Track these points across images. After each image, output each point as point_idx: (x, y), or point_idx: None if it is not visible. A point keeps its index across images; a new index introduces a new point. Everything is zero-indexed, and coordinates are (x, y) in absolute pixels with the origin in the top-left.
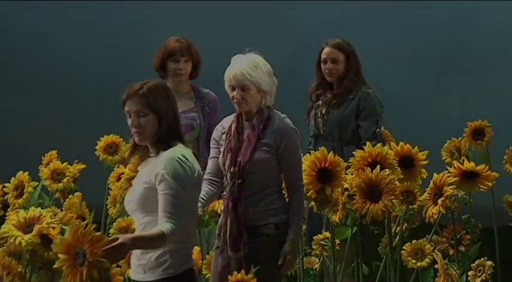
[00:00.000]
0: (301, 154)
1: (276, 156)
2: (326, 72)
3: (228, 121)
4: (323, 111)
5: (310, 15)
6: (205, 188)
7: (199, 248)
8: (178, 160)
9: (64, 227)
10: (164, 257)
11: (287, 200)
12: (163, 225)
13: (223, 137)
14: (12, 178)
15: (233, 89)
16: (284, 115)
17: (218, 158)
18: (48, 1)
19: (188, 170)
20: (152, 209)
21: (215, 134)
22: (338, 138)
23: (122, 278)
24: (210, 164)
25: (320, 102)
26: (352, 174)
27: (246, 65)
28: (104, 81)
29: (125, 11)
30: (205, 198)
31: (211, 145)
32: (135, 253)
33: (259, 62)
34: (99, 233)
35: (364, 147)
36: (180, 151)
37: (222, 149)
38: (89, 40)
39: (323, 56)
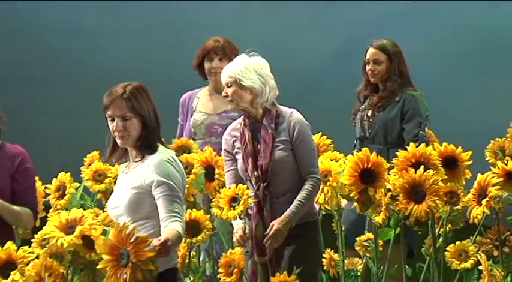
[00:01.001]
0: (315, 145)
1: (292, 151)
2: (369, 73)
3: (235, 129)
4: (368, 114)
5: (354, 13)
6: None
7: (241, 250)
8: (169, 162)
9: (106, 228)
10: None
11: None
12: (173, 225)
13: (237, 144)
14: (54, 179)
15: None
16: (292, 109)
17: (235, 169)
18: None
19: (179, 170)
20: (141, 214)
21: (226, 145)
22: (384, 141)
23: None
24: (229, 177)
25: (366, 104)
26: (395, 175)
27: (230, 65)
28: (146, 82)
29: (179, 11)
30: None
31: (224, 158)
32: None
33: (245, 61)
34: (143, 234)
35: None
36: (167, 153)
37: (238, 157)
38: (130, 39)
39: (367, 56)
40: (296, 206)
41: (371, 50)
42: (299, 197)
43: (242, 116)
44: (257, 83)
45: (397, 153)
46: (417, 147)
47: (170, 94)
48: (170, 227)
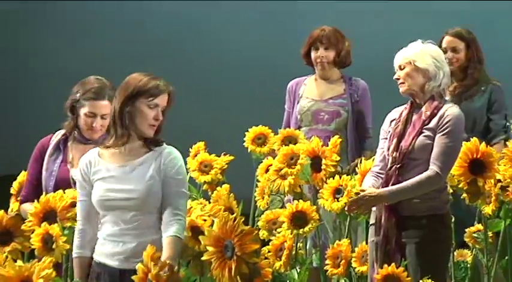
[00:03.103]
0: (458, 145)
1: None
2: (447, 61)
3: (397, 111)
4: (453, 100)
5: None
6: (370, 180)
7: (348, 241)
8: (179, 156)
9: (214, 219)
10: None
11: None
12: (172, 229)
13: (392, 124)
14: None
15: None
16: (455, 105)
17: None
18: None
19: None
20: (152, 207)
21: (384, 125)
22: (470, 130)
23: (270, 270)
24: (377, 156)
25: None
26: (505, 165)
27: (405, 48)
28: (250, 72)
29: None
30: None
31: (380, 137)
32: (113, 241)
33: (421, 45)
34: (247, 227)
35: (492, 140)
36: (172, 147)
37: (388, 136)
38: (235, 30)
39: (443, 45)
40: (399, 187)
41: (447, 38)
42: (409, 181)
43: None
44: (432, 66)
45: (507, 143)
46: (505, 138)
47: (280, 83)
48: (169, 233)
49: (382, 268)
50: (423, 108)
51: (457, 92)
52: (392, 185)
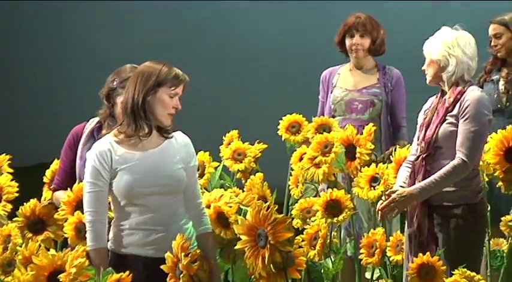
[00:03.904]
0: (483, 129)
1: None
2: (493, 49)
3: (431, 100)
4: (504, 87)
5: None
6: (404, 173)
7: (383, 230)
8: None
9: (244, 208)
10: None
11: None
12: (205, 221)
13: (426, 114)
14: None
15: None
16: (477, 88)
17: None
18: None
19: None
20: (180, 191)
21: (420, 114)
22: None
23: (304, 258)
24: (413, 145)
25: (497, 76)
26: None
27: (430, 37)
28: (287, 60)
29: None
30: (405, 183)
31: (417, 126)
32: (145, 229)
33: (439, 34)
34: (281, 215)
35: None
36: (185, 135)
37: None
38: (273, 17)
39: (489, 33)
40: (427, 183)
41: (491, 26)
42: (436, 174)
43: None
44: (443, 56)
45: None
46: None
47: (317, 71)
48: (203, 226)
49: (408, 259)
50: (446, 95)
51: (510, 78)
52: (420, 174)
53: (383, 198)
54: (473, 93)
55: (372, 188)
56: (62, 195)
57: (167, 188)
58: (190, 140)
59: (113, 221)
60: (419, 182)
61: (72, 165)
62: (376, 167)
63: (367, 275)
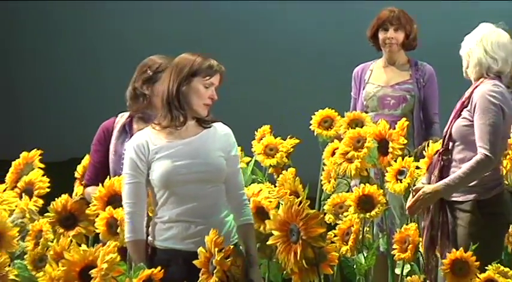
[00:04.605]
0: (497, 120)
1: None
2: None
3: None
4: None
5: None
6: None
7: (416, 225)
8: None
9: (280, 201)
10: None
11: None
12: (247, 214)
13: None
14: None
15: None
16: (491, 81)
17: None
18: None
19: None
20: (222, 179)
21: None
22: None
23: (336, 254)
24: None
25: None
26: None
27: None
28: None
29: None
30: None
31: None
32: (184, 222)
33: (475, 30)
34: (313, 211)
35: None
36: (225, 125)
37: None
38: (307, 14)
39: None
40: (452, 179)
41: None
42: (460, 170)
43: None
44: (464, 51)
45: None
46: None
47: (349, 67)
48: (244, 217)
49: (427, 253)
50: (466, 91)
51: None
52: (437, 169)
53: (411, 194)
54: (482, 87)
55: (399, 181)
56: (93, 191)
57: (206, 176)
58: (231, 131)
59: (153, 216)
60: (435, 176)
61: (102, 160)
62: (402, 160)
63: (397, 271)
